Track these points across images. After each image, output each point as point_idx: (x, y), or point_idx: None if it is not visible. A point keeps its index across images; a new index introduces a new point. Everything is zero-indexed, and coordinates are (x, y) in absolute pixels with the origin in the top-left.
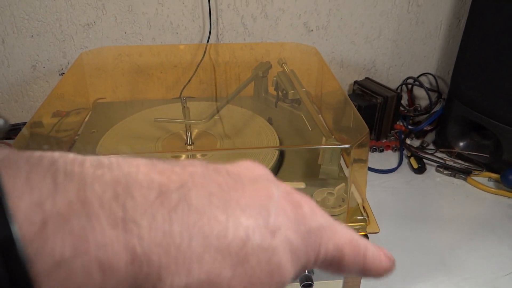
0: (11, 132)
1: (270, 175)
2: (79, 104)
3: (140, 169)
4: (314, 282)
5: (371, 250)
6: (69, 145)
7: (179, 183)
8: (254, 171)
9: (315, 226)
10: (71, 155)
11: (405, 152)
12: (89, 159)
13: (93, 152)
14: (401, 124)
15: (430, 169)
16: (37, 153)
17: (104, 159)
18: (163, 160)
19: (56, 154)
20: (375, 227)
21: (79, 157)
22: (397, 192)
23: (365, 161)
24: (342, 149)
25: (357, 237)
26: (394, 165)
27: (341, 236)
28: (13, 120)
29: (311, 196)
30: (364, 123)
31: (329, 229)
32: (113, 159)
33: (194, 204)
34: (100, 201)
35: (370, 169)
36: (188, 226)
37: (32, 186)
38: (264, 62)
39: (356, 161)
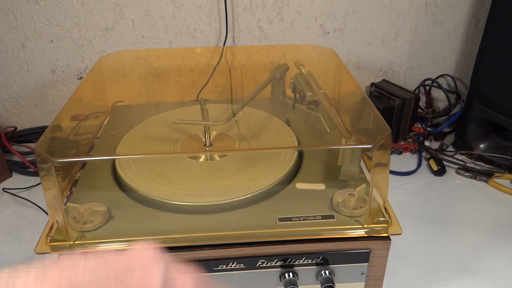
0: (31, 136)
1: (156, 262)
2: (97, 107)
3: None
4: (335, 285)
5: None
6: (89, 148)
7: None
8: (142, 265)
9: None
10: None
11: (424, 154)
12: None
13: (113, 153)
14: (419, 126)
15: (450, 171)
16: None
17: None
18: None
19: None
20: (398, 228)
21: None
22: (417, 194)
23: (386, 162)
24: (362, 150)
25: None
26: (413, 167)
27: None
28: (33, 124)
29: (332, 197)
30: (386, 123)
31: None
32: None
33: None
34: None
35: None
36: None
37: None
38: (281, 64)
39: (377, 162)
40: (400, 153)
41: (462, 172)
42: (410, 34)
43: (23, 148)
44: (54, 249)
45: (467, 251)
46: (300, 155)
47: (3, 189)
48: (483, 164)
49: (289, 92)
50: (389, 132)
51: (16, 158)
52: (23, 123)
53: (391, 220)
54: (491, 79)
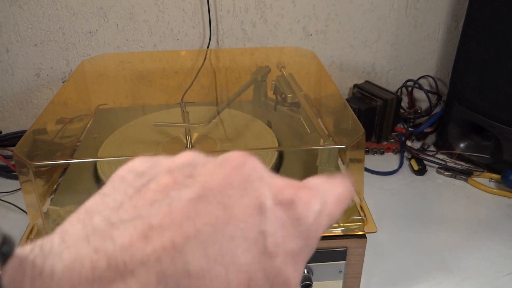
0: (16, 140)
1: (258, 166)
2: (81, 110)
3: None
4: (313, 283)
5: (339, 189)
6: (72, 151)
7: (174, 253)
8: (242, 169)
9: (312, 220)
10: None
11: (405, 154)
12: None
13: (95, 156)
14: (402, 126)
15: (431, 171)
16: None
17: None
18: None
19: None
20: (373, 226)
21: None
22: (398, 193)
23: (361, 161)
24: (340, 150)
25: (336, 190)
26: (395, 167)
27: (330, 202)
28: (18, 128)
29: None
30: (360, 123)
31: (324, 210)
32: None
33: (193, 271)
34: None
35: (371, 171)
36: None
37: None
38: (263, 66)
39: (352, 161)
40: (383, 153)
41: (442, 171)
42: (391, 36)
43: (8, 152)
44: None
45: (445, 249)
46: (281, 156)
47: None
48: (463, 163)
49: (271, 94)
50: (363, 132)
51: (1, 162)
52: (8, 127)
53: (366, 219)
54: (469, 80)
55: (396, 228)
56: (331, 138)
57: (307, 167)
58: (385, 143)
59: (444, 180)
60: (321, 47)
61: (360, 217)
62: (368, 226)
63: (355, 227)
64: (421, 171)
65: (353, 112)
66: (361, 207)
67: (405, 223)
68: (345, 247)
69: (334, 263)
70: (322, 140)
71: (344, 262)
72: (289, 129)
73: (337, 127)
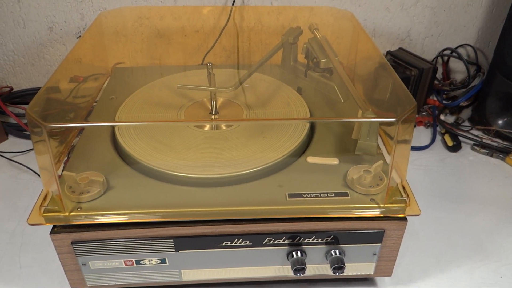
0: (28, 97)
1: None
2: (97, 69)
3: None
4: (345, 265)
5: None
6: (87, 112)
7: None
8: None
9: None
10: None
11: (438, 128)
12: None
13: (113, 119)
14: (435, 98)
15: (465, 147)
16: None
17: None
18: None
19: None
20: (416, 209)
21: None
22: (430, 170)
23: (409, 137)
24: (379, 123)
25: None
26: (427, 142)
27: None
28: (29, 85)
29: (346, 173)
30: (410, 94)
31: None
32: None
33: None
34: None
35: None
36: None
37: None
38: (294, 27)
39: (400, 137)
40: (414, 126)
41: (478, 148)
42: None
43: (19, 110)
44: (48, 220)
45: (482, 231)
46: (312, 126)
47: None
48: (500, 140)
49: (301, 58)
50: (415, 105)
51: (12, 120)
52: (20, 83)
53: (409, 200)
54: None
55: (428, 207)
56: (370, 109)
57: (340, 140)
58: (416, 116)
59: (479, 158)
60: (354, 9)
61: (402, 198)
62: (411, 208)
63: (397, 208)
64: (455, 148)
65: (400, 80)
66: (403, 188)
67: (438, 202)
68: (383, 229)
69: (369, 245)
70: (360, 112)
71: (379, 244)
72: (320, 97)
73: (371, 97)
